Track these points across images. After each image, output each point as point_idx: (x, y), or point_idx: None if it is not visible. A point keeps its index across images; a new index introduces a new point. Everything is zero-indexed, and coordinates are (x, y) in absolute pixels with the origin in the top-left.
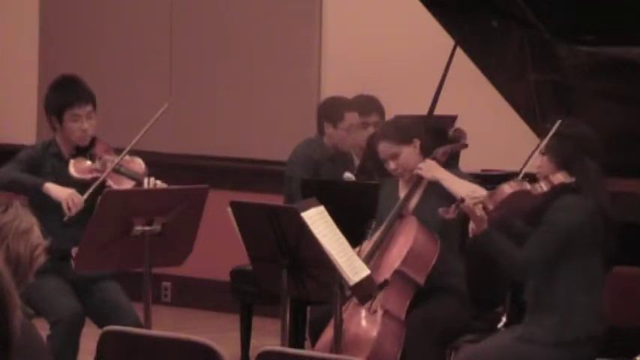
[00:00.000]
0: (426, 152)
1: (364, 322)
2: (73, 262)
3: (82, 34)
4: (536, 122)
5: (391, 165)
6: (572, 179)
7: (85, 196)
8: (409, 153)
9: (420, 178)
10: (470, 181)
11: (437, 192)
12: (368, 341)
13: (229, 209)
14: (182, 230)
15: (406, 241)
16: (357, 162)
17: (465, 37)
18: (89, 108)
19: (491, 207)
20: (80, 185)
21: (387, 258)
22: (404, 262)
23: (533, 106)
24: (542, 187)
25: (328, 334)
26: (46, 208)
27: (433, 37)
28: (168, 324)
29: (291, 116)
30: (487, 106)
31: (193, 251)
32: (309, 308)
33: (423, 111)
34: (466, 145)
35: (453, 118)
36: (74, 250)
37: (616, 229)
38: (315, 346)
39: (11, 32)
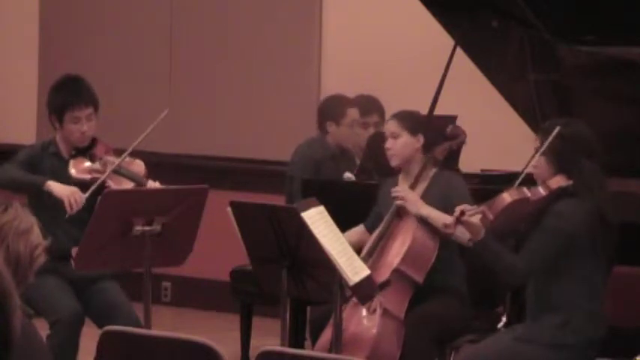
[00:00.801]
0: (424, 150)
1: (364, 322)
2: (73, 262)
3: (82, 35)
4: (536, 122)
5: (388, 143)
6: (570, 182)
7: (87, 194)
8: (409, 142)
9: (417, 177)
10: (460, 192)
11: (436, 191)
12: (367, 340)
13: (229, 209)
14: (182, 230)
15: (404, 239)
16: (357, 161)
17: (465, 37)
18: (90, 110)
19: (491, 217)
20: (79, 186)
21: (386, 257)
22: (403, 260)
23: (533, 106)
24: (541, 192)
25: (328, 334)
26: (45, 208)
27: (433, 37)
28: (168, 324)
29: (291, 116)
30: (487, 106)
31: (193, 251)
32: (309, 308)
33: (423, 111)
34: (464, 142)
35: (453, 118)
36: (74, 250)
37: (615, 232)
38: (315, 346)
39: (11, 32)
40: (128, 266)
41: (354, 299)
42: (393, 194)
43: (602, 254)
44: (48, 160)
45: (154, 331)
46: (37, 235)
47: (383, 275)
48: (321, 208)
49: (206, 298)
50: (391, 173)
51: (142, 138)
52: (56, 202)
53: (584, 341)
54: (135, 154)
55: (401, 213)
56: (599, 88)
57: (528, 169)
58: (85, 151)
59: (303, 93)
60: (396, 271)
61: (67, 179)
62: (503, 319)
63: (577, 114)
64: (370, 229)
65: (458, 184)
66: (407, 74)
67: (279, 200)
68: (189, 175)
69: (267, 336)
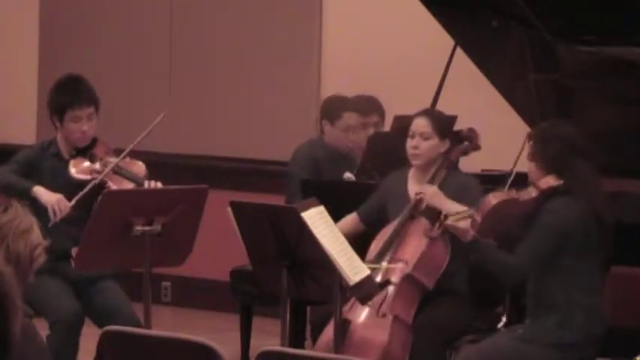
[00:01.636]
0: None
1: (373, 326)
2: (73, 262)
3: (82, 35)
4: (536, 122)
5: (415, 141)
6: (560, 182)
7: (73, 202)
8: (436, 146)
9: (432, 178)
10: (474, 190)
11: (447, 193)
12: (378, 345)
13: (229, 209)
14: (182, 230)
15: (418, 245)
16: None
17: (465, 37)
18: (90, 110)
19: (478, 219)
20: (79, 186)
21: (398, 262)
22: (415, 267)
23: (533, 106)
24: (530, 192)
25: (328, 333)
26: (45, 208)
27: (433, 37)
28: (168, 324)
29: (291, 117)
30: (487, 106)
31: (193, 251)
32: (309, 308)
33: None
34: (479, 147)
35: (453, 118)
36: (74, 250)
37: (611, 230)
38: (315, 346)
39: (11, 32)
40: (128, 266)
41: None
42: (416, 197)
43: (599, 252)
44: (48, 161)
45: (154, 331)
46: (37, 235)
47: (392, 277)
48: (321, 208)
49: (206, 298)
50: (391, 173)
51: (139, 139)
52: (40, 206)
53: (584, 339)
54: (135, 153)
55: (414, 215)
56: (599, 88)
57: (518, 171)
58: (86, 151)
59: (303, 93)
60: (408, 277)
61: (67, 179)
62: (503, 319)
63: (577, 114)
64: (364, 219)
65: (470, 183)
66: (407, 74)
67: (279, 200)
68: (189, 175)
69: (267, 336)
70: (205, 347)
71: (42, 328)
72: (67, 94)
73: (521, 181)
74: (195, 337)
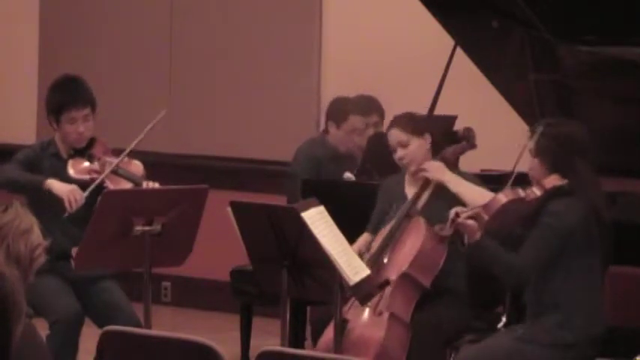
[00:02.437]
0: (435, 151)
1: (370, 324)
2: (73, 262)
3: (82, 35)
4: (537, 122)
5: (399, 153)
6: (565, 181)
7: (86, 193)
8: (419, 145)
9: (428, 178)
10: (473, 181)
11: (445, 193)
12: (374, 343)
13: (229, 209)
14: (182, 230)
15: (414, 243)
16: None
17: (465, 37)
18: (86, 111)
19: (486, 217)
20: (78, 186)
21: (395, 260)
22: (412, 265)
23: (533, 106)
24: (535, 192)
25: (329, 334)
26: (45, 208)
27: (433, 38)
28: (168, 324)
29: (291, 116)
30: (487, 106)
31: (193, 251)
32: (309, 308)
33: (423, 111)
34: (475, 146)
35: (453, 118)
36: (74, 250)
37: (611, 229)
38: (315, 346)
39: (11, 32)
40: (128, 266)
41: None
42: (419, 174)
43: (600, 252)
44: (47, 161)
45: (154, 331)
46: (37, 235)
47: (389, 275)
48: (321, 208)
49: (206, 298)
50: (391, 173)
51: (139, 139)
52: (56, 201)
53: (585, 340)
54: (135, 153)
55: (411, 214)
56: (599, 88)
57: (520, 170)
58: (84, 151)
59: (303, 93)
60: (405, 275)
61: (65, 179)
62: (503, 319)
63: (577, 114)
64: (375, 232)
65: (473, 180)
66: (407, 74)
67: (279, 200)
68: (189, 175)
69: (267, 336)
70: (205, 347)
71: (42, 328)
72: (63, 95)
73: (521, 180)
74: (195, 337)
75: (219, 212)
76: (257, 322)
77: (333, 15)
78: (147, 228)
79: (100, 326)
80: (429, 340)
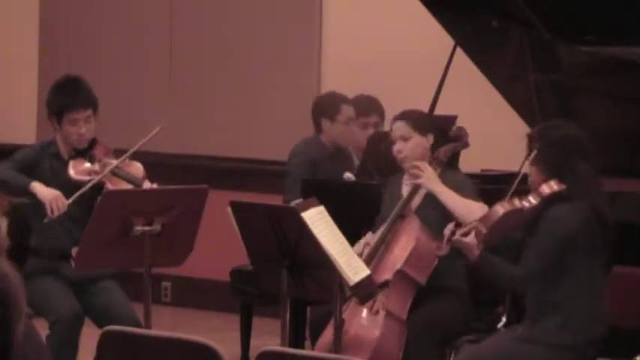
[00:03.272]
0: (432, 150)
1: (366, 323)
2: (73, 262)
3: (82, 35)
4: (536, 122)
5: (398, 146)
6: (563, 187)
7: (70, 200)
8: (419, 143)
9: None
10: (468, 184)
11: None
12: (370, 342)
13: (229, 209)
14: (182, 230)
15: (408, 241)
16: (356, 161)
17: (465, 37)
18: (88, 112)
19: (484, 230)
20: (78, 187)
21: (389, 258)
22: (406, 262)
23: (533, 106)
24: (532, 201)
25: (328, 334)
26: (46, 209)
27: (433, 38)
28: (168, 324)
29: (291, 116)
30: (487, 106)
31: (193, 251)
32: (309, 308)
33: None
34: (467, 144)
35: (453, 118)
36: (74, 250)
37: (613, 232)
38: (315, 346)
39: (11, 32)
40: (128, 266)
41: (355, 299)
42: (412, 170)
43: (600, 254)
44: (47, 161)
45: (154, 331)
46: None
47: (385, 276)
48: (321, 208)
49: (206, 298)
50: (391, 173)
51: (136, 148)
52: (40, 204)
53: (584, 341)
54: (135, 154)
55: (404, 213)
56: (599, 88)
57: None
58: (85, 152)
59: (303, 93)
60: (399, 273)
61: (66, 180)
62: (503, 319)
63: (577, 114)
64: None
65: (465, 182)
66: (407, 74)
67: (279, 200)
68: (189, 175)
69: (267, 336)
70: (205, 347)
71: (42, 328)
72: (65, 96)
73: (525, 182)
74: (195, 337)
75: (219, 212)
76: (257, 322)
77: (333, 15)
78: (147, 228)
79: (100, 326)
80: (426, 338)
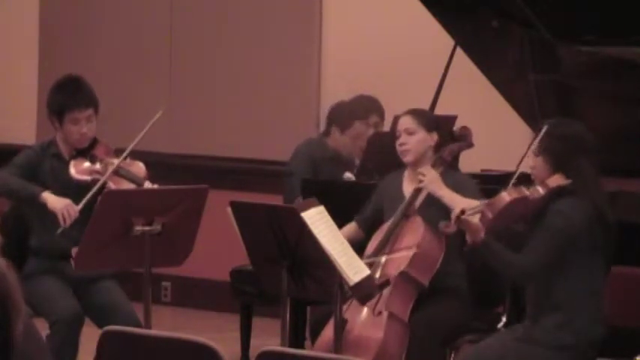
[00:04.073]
0: (435, 150)
1: (369, 324)
2: (73, 262)
3: (82, 34)
4: (536, 122)
5: (402, 139)
6: (569, 181)
7: (81, 205)
8: (424, 139)
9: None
10: (470, 185)
11: None
12: (374, 343)
13: (229, 209)
14: (182, 230)
15: (412, 242)
16: (357, 163)
17: (465, 37)
18: (89, 112)
19: (490, 216)
20: (80, 186)
21: (393, 259)
22: (410, 263)
23: (533, 106)
24: (539, 191)
25: (328, 333)
26: (45, 209)
27: (433, 38)
28: (168, 324)
29: (291, 116)
30: (487, 106)
31: (193, 251)
32: (309, 308)
33: None
34: (472, 144)
35: (453, 118)
36: (74, 250)
37: (614, 231)
38: (314, 345)
39: (11, 32)
40: (128, 266)
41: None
42: (417, 176)
43: (601, 254)
44: (48, 162)
45: (154, 331)
46: None
47: (388, 277)
48: (321, 208)
49: (206, 298)
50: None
51: (138, 139)
52: (51, 214)
53: (585, 341)
54: (135, 153)
55: (408, 213)
56: (599, 88)
57: (523, 169)
58: (86, 152)
59: (303, 93)
60: (403, 274)
61: (67, 180)
62: (503, 319)
63: (577, 114)
64: (362, 226)
65: (466, 182)
66: (407, 74)
67: (279, 200)
68: (189, 175)
69: (267, 336)
70: (205, 347)
71: (42, 328)
72: (66, 96)
73: (524, 181)
74: (195, 337)
75: (219, 212)
76: (257, 322)
77: (333, 15)
78: (147, 228)
79: (100, 326)
80: (428, 339)
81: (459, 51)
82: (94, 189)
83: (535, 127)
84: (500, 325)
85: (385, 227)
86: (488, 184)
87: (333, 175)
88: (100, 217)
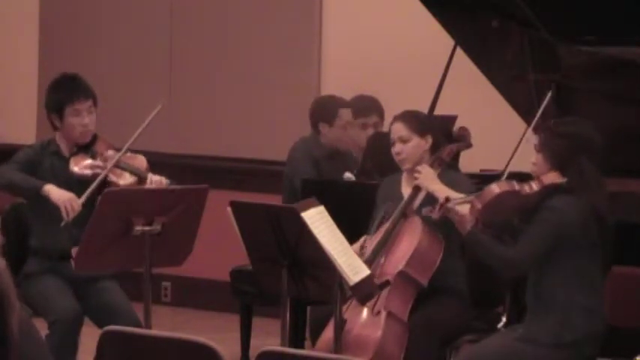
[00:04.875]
0: (432, 151)
1: (368, 324)
2: (73, 262)
3: (82, 34)
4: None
5: (397, 148)
6: (564, 180)
7: (83, 199)
8: (418, 145)
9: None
10: (467, 185)
11: None
12: (372, 343)
13: (229, 209)
14: (182, 230)
15: (411, 242)
16: (354, 156)
17: (465, 37)
18: (90, 103)
19: (479, 206)
20: (81, 182)
21: (392, 259)
22: (408, 263)
23: (533, 106)
24: (533, 186)
25: (328, 333)
26: (45, 209)
27: (433, 37)
28: (168, 324)
29: (291, 116)
30: (487, 106)
31: (193, 251)
32: (309, 308)
33: (423, 111)
34: (471, 145)
35: (453, 118)
36: (74, 250)
37: (612, 230)
38: (315, 345)
39: (11, 32)
40: (128, 266)
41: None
42: (413, 174)
43: (600, 252)
44: (48, 160)
45: (154, 331)
46: None
47: (387, 277)
48: (321, 208)
49: (206, 298)
50: (391, 173)
51: (137, 134)
52: (53, 207)
53: (584, 339)
54: (135, 152)
55: (407, 213)
56: (599, 88)
57: (527, 169)
58: (87, 148)
59: (303, 93)
60: (401, 274)
61: (67, 178)
62: (503, 319)
63: (577, 114)
64: None
65: (462, 181)
66: (407, 74)
67: (279, 200)
68: (189, 175)
69: (267, 336)
70: (205, 347)
71: (42, 328)
72: (64, 91)
73: (525, 179)
74: (195, 337)
75: (219, 212)
76: (257, 322)
77: (333, 15)
78: (147, 228)
79: (100, 326)
80: (428, 339)
81: (459, 51)
82: (96, 182)
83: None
84: (500, 325)
85: (384, 227)
86: (487, 184)
87: (333, 172)
88: (100, 217)
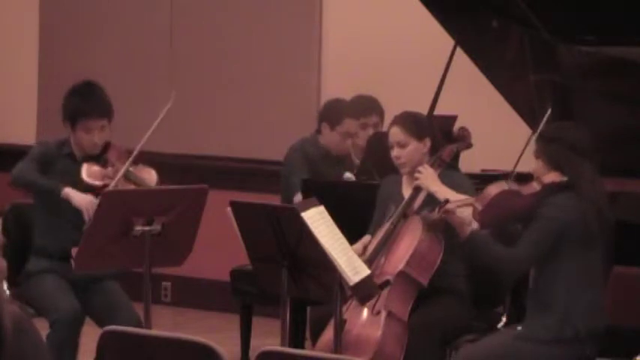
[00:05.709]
0: (433, 151)
1: (368, 323)
2: (73, 263)
3: (82, 35)
4: (536, 122)
5: (395, 152)
6: (564, 178)
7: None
8: (416, 148)
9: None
10: (468, 185)
11: None
12: (372, 342)
13: (229, 209)
14: (182, 230)
15: (411, 242)
16: (356, 161)
17: (465, 37)
18: (103, 122)
19: (480, 208)
20: (90, 190)
21: (392, 259)
22: (408, 263)
23: (533, 106)
24: (534, 186)
25: (328, 333)
26: (48, 209)
27: (433, 37)
28: (168, 324)
29: (291, 116)
30: (487, 106)
31: (193, 251)
32: (309, 308)
33: (423, 111)
34: (471, 145)
35: (453, 118)
36: (74, 251)
37: (613, 228)
38: (315, 346)
39: (11, 32)
40: (128, 266)
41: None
42: (414, 175)
43: (600, 249)
44: (61, 161)
45: (154, 331)
46: None
47: (387, 277)
48: (321, 208)
49: (206, 298)
50: (391, 173)
51: (148, 134)
52: (66, 208)
53: (584, 336)
54: (137, 153)
55: (407, 213)
56: (599, 88)
57: (528, 170)
58: (99, 155)
59: (303, 93)
60: (401, 274)
61: (75, 180)
62: (503, 319)
63: (577, 114)
64: None
65: (462, 182)
66: (407, 74)
67: (279, 200)
68: (189, 175)
69: (267, 336)
70: (205, 347)
71: (42, 328)
72: (81, 102)
73: (522, 180)
74: (195, 337)
75: (219, 212)
76: (257, 322)
77: (333, 15)
78: (147, 228)
79: (100, 326)
80: (427, 339)
81: (459, 51)
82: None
83: (535, 127)
84: (500, 325)
85: (384, 227)
86: (488, 184)
87: (329, 174)
88: (100, 217)
